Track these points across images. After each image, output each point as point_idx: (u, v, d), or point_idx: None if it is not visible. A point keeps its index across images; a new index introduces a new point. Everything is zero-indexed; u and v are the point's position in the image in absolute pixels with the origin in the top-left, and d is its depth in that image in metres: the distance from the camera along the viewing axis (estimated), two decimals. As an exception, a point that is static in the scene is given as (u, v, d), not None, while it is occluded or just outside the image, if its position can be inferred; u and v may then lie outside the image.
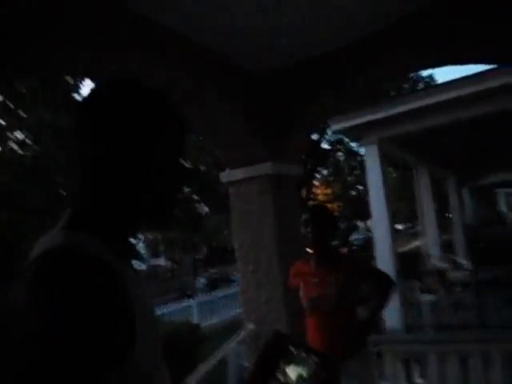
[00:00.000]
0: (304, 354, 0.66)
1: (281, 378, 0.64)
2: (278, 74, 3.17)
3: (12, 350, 0.53)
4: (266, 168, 3.21)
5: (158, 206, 0.73)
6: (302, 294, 2.14)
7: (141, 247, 23.73)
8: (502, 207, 19.01)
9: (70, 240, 0.63)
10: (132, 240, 0.79)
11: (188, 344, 5.80)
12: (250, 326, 3.20)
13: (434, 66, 3.10)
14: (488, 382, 2.99)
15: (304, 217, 2.16)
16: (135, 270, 0.74)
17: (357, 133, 6.30)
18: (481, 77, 5.02)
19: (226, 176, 3.44)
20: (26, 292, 0.56)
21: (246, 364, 3.39)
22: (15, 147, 12.27)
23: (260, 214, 3.24)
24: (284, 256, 3.16)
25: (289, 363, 0.65)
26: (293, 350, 0.66)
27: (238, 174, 3.34)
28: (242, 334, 3.21)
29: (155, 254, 31.25)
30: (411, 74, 16.33)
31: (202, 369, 3.04)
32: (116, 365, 0.57)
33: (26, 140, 12.25)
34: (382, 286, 2.19)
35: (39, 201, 10.15)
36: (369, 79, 3.05)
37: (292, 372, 0.65)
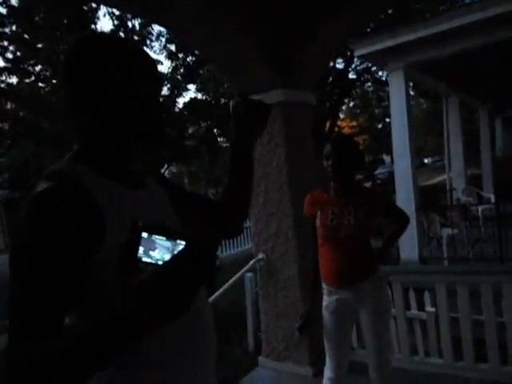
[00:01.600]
0: (167, 241, 0.67)
1: (146, 260, 0.66)
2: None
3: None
4: (277, 95, 3.04)
5: (142, 128, 0.87)
6: (318, 221, 2.17)
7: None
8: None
9: (58, 170, 0.82)
10: (136, 166, 0.96)
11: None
12: (260, 256, 3.24)
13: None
14: (498, 312, 2.98)
15: (325, 149, 2.10)
16: (146, 191, 0.93)
17: (382, 58, 5.91)
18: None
19: (236, 104, 3.30)
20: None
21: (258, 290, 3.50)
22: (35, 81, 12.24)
23: (271, 144, 3.14)
24: (294, 187, 3.10)
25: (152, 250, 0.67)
26: (155, 238, 0.67)
27: (249, 102, 3.18)
28: (252, 262, 3.27)
29: (180, 188, 31.90)
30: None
31: (217, 293, 3.20)
32: (81, 261, 0.74)
33: (45, 72, 12.17)
34: (397, 221, 2.28)
35: (61, 134, 10.29)
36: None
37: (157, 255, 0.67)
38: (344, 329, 2.20)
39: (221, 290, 3.40)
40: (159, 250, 0.66)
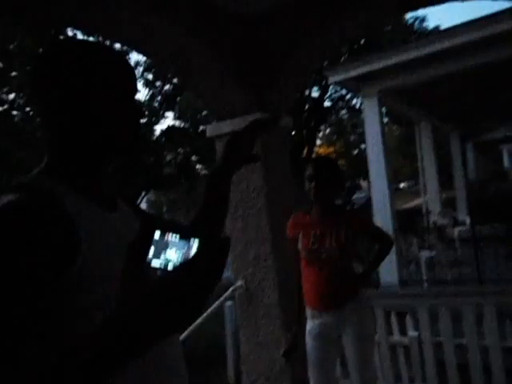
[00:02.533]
0: (181, 241, 0.61)
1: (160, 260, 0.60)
2: (264, 18, 2.92)
3: None
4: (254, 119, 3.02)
5: (113, 136, 0.80)
6: (300, 244, 2.14)
7: (143, 207, 23.89)
8: (506, 163, 18.77)
9: (26, 182, 0.76)
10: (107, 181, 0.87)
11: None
12: (239, 283, 3.14)
13: (430, 4, 2.84)
14: (481, 334, 2.96)
15: (308, 171, 2.10)
16: (118, 212, 0.85)
17: (356, 85, 6.04)
18: (487, 21, 4.71)
19: (212, 129, 3.27)
20: None
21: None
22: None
23: (248, 169, 3.10)
24: (273, 212, 3.05)
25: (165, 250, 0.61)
26: (168, 237, 0.61)
27: (225, 126, 3.16)
28: (230, 290, 3.17)
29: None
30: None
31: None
32: (53, 275, 0.66)
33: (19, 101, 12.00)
34: (381, 244, 2.26)
35: (36, 161, 10.04)
36: (356, 23, 2.81)
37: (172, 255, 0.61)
38: (328, 356, 2.13)
39: (198, 320, 3.26)
40: (172, 250, 0.60)
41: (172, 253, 0.60)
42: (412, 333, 3.22)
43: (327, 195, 2.10)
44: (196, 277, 0.57)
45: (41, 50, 0.85)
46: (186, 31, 2.61)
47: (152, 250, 0.60)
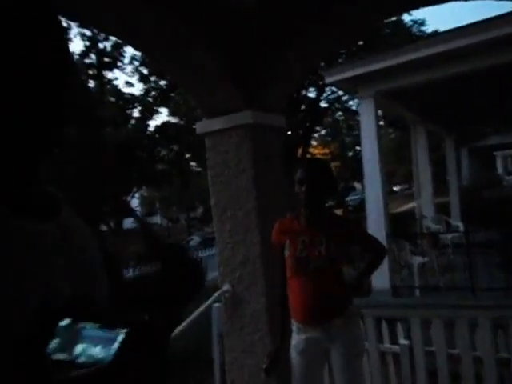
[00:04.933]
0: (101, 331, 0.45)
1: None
2: (257, 14, 2.80)
3: None
4: (245, 117, 2.90)
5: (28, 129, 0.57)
6: (287, 252, 2.00)
7: (135, 204, 23.69)
8: (500, 170, 18.83)
9: None
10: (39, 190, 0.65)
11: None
12: (225, 287, 3.02)
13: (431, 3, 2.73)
14: (474, 346, 2.88)
15: (299, 173, 1.96)
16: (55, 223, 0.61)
17: (352, 86, 5.95)
18: (486, 25, 4.62)
19: (202, 126, 3.14)
20: None
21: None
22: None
23: (238, 168, 2.98)
24: (263, 214, 2.93)
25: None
26: (80, 326, 0.45)
27: (215, 123, 3.04)
28: (216, 294, 3.05)
29: (151, 212, 31.34)
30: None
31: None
32: None
33: None
34: (374, 252, 2.14)
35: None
36: (356, 13, 2.70)
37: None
38: (313, 372, 2.00)
39: (184, 323, 3.15)
40: (86, 344, 0.45)
41: (89, 347, 0.45)
42: (403, 341, 3.13)
43: (318, 200, 1.97)
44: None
45: None
46: (179, 26, 2.49)
47: (55, 341, 0.44)
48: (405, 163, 20.39)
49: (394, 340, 3.20)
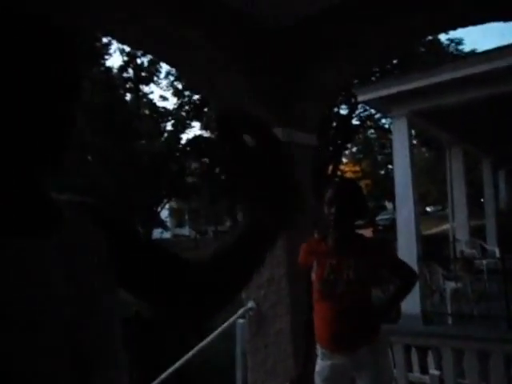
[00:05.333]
0: None
1: None
2: (291, 32, 2.83)
3: None
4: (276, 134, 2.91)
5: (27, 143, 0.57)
6: (314, 274, 1.95)
7: (165, 215, 24.03)
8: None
9: None
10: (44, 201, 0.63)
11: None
12: (250, 304, 2.99)
13: (474, 23, 2.68)
14: (510, 381, 2.71)
15: (328, 194, 1.91)
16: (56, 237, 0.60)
17: (385, 105, 5.88)
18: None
19: (233, 143, 3.18)
20: None
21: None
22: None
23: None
24: (289, 233, 2.90)
25: None
26: None
27: (246, 140, 3.06)
28: (241, 311, 3.02)
29: (180, 224, 31.76)
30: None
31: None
32: None
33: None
34: (404, 279, 2.05)
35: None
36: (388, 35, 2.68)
37: None
38: None
39: (208, 338, 3.13)
40: None
41: None
42: (434, 371, 2.99)
43: (347, 222, 1.92)
44: None
45: None
46: (212, 44, 2.54)
47: None
48: (439, 184, 19.85)
49: (424, 369, 3.07)
